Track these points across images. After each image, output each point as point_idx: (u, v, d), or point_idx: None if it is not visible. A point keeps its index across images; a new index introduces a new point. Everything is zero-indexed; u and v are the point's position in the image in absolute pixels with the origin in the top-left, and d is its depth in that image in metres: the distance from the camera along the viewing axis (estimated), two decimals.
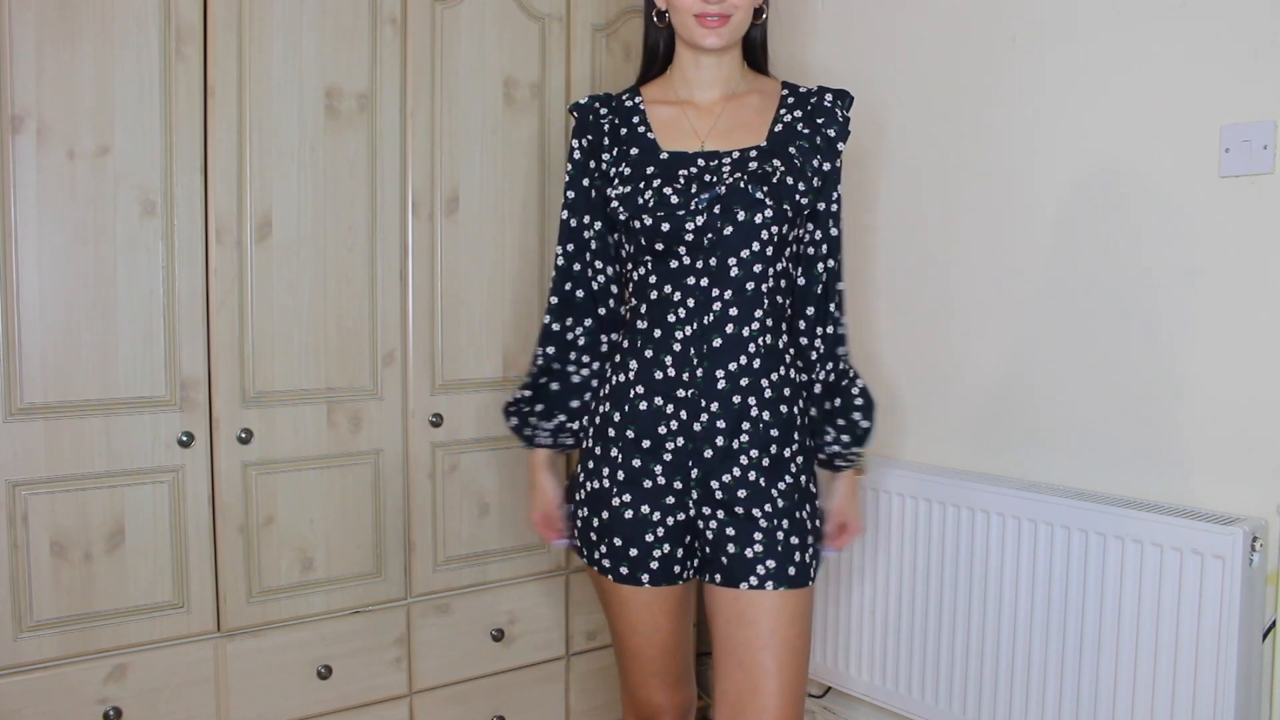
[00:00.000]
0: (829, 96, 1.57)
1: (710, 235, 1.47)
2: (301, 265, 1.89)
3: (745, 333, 1.49)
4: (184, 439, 1.78)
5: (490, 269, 2.11)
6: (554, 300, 1.64)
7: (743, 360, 1.49)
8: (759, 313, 1.50)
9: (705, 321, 1.49)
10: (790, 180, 1.49)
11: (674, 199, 1.48)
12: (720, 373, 1.49)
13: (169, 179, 1.75)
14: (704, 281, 1.49)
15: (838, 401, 1.58)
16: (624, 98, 1.62)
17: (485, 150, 2.09)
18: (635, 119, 1.59)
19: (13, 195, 1.62)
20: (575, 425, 1.65)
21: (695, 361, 1.49)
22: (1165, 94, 1.68)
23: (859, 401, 1.58)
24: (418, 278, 2.02)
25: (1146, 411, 1.72)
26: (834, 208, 1.57)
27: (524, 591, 2.20)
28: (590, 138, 1.60)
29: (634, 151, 1.56)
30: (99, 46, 1.67)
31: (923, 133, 2.05)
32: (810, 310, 1.58)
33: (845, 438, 1.58)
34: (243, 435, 1.84)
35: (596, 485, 1.56)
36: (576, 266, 1.62)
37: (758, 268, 1.49)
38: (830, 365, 1.59)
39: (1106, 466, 1.78)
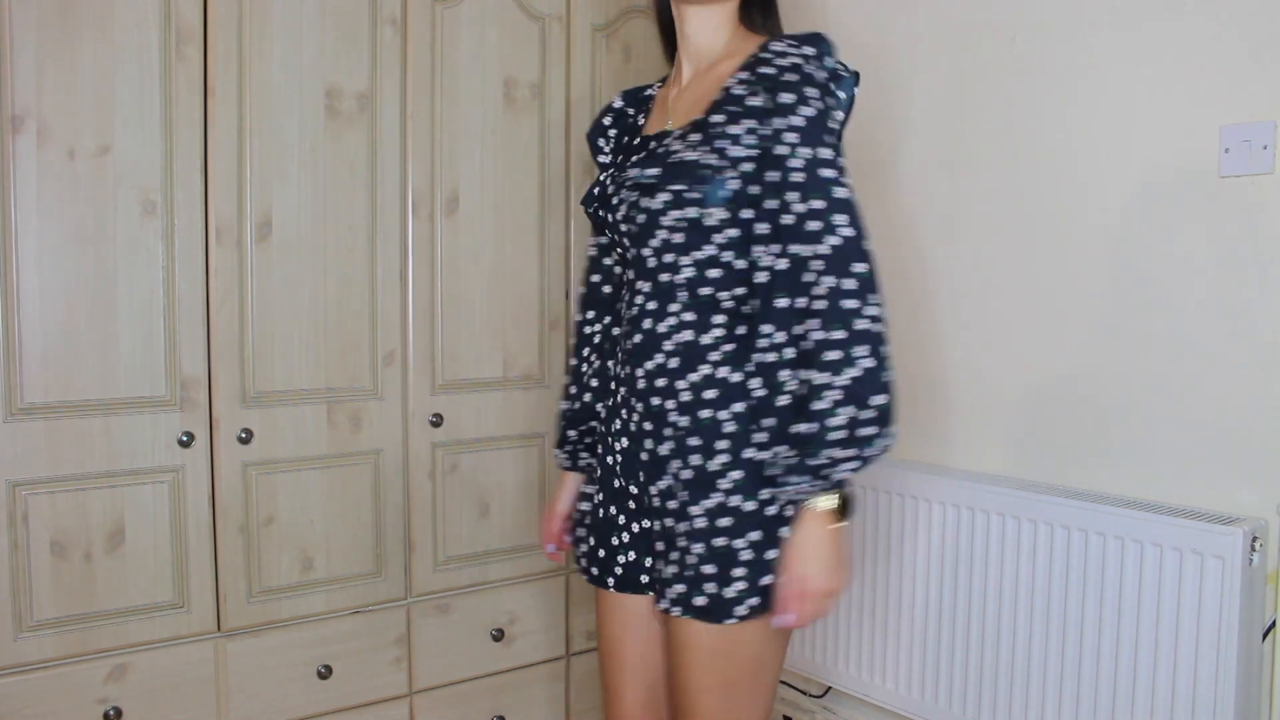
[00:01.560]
0: (777, 46, 1.29)
1: (630, 225, 1.36)
2: (301, 265, 1.89)
3: (661, 328, 1.33)
4: (184, 439, 1.78)
5: (490, 269, 2.11)
6: (581, 290, 1.59)
7: (659, 358, 1.33)
8: (674, 306, 1.32)
9: (631, 315, 1.38)
10: (702, 157, 1.28)
11: (610, 187, 1.40)
12: (640, 371, 1.36)
13: (169, 179, 1.75)
14: (631, 274, 1.39)
15: (801, 426, 1.23)
16: (645, 87, 1.56)
17: (485, 150, 2.09)
18: (644, 106, 1.52)
19: (13, 195, 1.62)
20: (595, 439, 1.56)
21: (623, 359, 1.40)
22: (1165, 94, 1.67)
23: (814, 407, 1.20)
24: (418, 278, 2.02)
25: (1146, 411, 1.72)
26: (794, 177, 1.24)
27: (524, 591, 2.20)
28: (599, 140, 1.55)
29: (626, 141, 1.50)
30: (99, 46, 1.67)
31: (925, 134, 2.05)
32: (770, 306, 1.27)
33: (787, 461, 1.24)
34: (243, 435, 1.84)
35: (586, 480, 1.55)
36: (607, 260, 1.55)
37: (668, 257, 1.32)
38: (793, 375, 1.26)
39: (1106, 466, 1.78)
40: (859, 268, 1.22)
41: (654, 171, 1.31)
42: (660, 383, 1.33)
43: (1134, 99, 1.71)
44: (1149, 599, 1.62)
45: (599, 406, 1.54)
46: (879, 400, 1.19)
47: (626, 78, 2.26)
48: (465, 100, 2.05)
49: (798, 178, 1.24)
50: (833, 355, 1.20)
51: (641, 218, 1.34)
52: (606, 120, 1.55)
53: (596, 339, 1.56)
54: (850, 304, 1.20)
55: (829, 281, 1.21)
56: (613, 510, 1.44)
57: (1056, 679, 1.74)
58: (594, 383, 1.56)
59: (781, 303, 1.26)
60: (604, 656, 1.51)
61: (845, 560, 1.28)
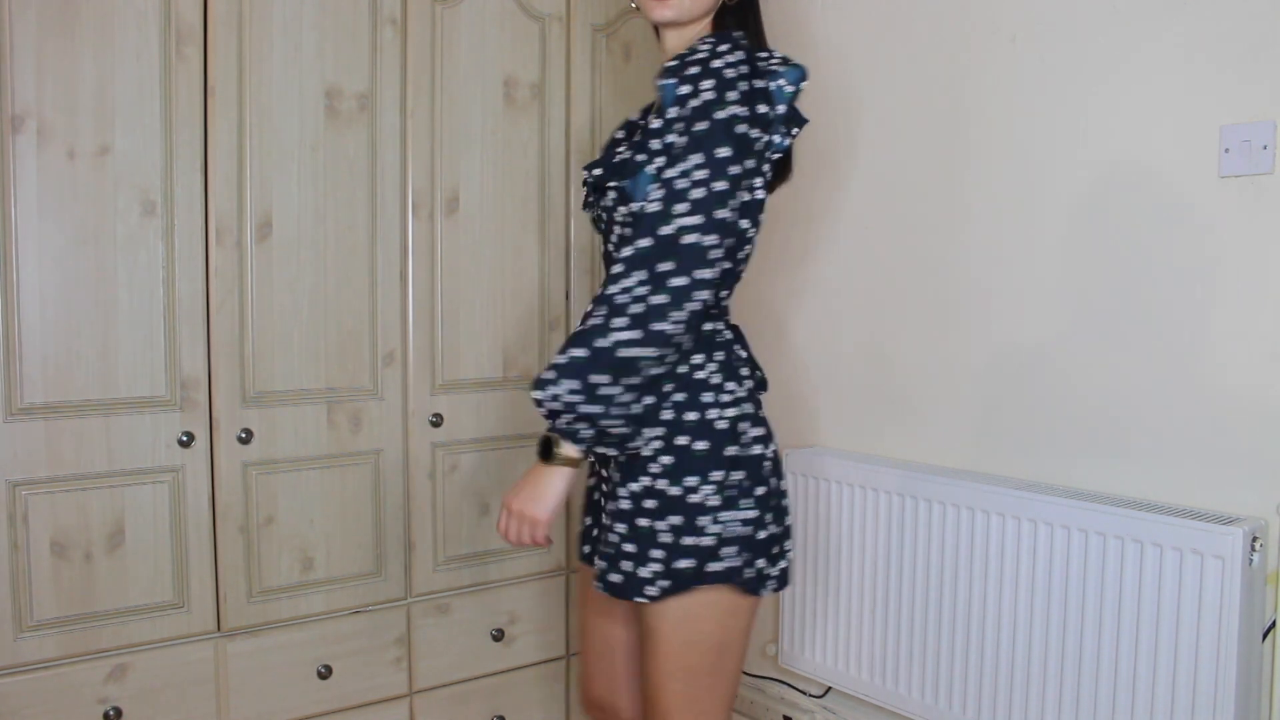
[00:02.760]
0: (701, 44, 1.32)
1: (597, 221, 1.49)
2: (301, 265, 1.89)
3: None
4: (184, 439, 1.78)
5: (490, 269, 2.11)
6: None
7: None
8: None
9: None
10: (634, 154, 1.33)
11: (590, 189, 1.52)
12: None
13: (169, 179, 1.75)
14: (606, 265, 1.51)
15: None
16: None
17: (485, 150, 2.09)
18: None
19: (13, 195, 1.62)
20: None
21: None
22: (1165, 94, 1.67)
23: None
24: (418, 278, 2.02)
25: (1146, 411, 1.72)
26: (660, 165, 1.28)
27: (524, 591, 2.20)
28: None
29: None
30: (99, 46, 1.67)
31: (922, 132, 2.05)
32: None
33: None
34: (243, 435, 1.84)
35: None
36: None
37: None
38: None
39: (1106, 466, 1.78)
40: (659, 252, 1.22)
41: (599, 171, 1.37)
42: None
43: (1134, 98, 1.71)
44: (1149, 599, 1.62)
45: None
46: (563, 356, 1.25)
47: (626, 77, 2.26)
48: (465, 100, 2.05)
49: (660, 163, 1.27)
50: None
51: (601, 215, 1.41)
52: (619, 134, 1.56)
53: None
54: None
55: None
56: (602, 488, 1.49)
57: (1056, 679, 1.74)
58: None
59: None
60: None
61: (545, 495, 1.34)
